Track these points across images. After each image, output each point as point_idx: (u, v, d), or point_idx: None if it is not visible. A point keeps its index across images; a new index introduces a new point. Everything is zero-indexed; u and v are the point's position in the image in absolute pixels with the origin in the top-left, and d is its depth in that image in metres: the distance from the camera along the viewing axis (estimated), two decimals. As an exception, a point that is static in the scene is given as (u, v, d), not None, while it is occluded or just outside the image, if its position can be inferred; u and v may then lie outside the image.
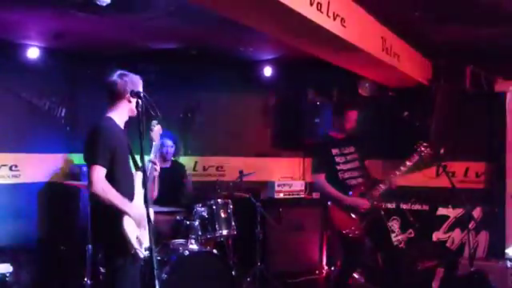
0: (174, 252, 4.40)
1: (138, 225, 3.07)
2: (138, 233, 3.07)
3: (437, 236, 6.22)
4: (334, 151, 4.70)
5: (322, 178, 4.64)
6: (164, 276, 4.09)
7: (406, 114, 5.00)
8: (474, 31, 5.20)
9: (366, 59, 4.73)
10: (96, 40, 5.61)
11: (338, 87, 6.57)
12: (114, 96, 3.22)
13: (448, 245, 6.17)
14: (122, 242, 3.02)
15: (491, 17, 4.74)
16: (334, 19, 3.81)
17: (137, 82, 3.25)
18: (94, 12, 4.54)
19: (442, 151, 5.81)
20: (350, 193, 4.63)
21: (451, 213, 6.16)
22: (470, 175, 6.23)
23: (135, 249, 3.04)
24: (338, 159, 4.69)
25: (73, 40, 5.56)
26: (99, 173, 3.00)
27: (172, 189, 5.28)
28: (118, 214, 3.00)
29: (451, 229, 6.16)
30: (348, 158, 4.74)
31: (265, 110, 7.00)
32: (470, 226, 4.83)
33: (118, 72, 3.28)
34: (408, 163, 4.67)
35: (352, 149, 4.78)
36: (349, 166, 4.72)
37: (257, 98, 6.96)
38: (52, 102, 5.86)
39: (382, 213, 4.95)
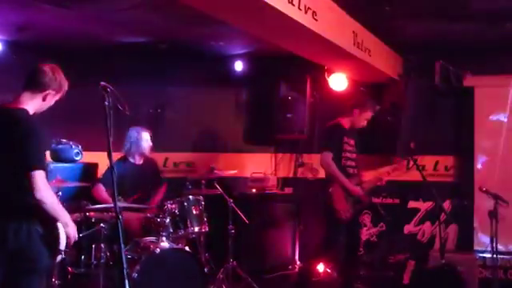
0: (145, 250, 4.30)
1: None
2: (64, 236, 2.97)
3: (408, 229, 6.29)
4: (345, 138, 4.97)
5: (329, 157, 4.85)
6: (135, 275, 3.99)
7: (376, 108, 5.09)
8: (444, 27, 5.26)
9: (338, 53, 4.73)
10: (62, 33, 5.47)
11: (310, 82, 6.55)
12: (37, 86, 2.94)
13: (419, 237, 6.25)
14: (55, 243, 2.90)
15: (460, 13, 4.80)
16: (306, 12, 3.78)
17: (64, 84, 3.07)
18: (58, 4, 4.41)
19: (412, 145, 5.87)
20: None
21: (422, 206, 6.24)
22: (439, 169, 6.32)
23: (61, 251, 2.95)
24: (345, 146, 4.95)
25: (38, 33, 5.41)
26: (44, 178, 2.81)
27: (145, 186, 5.18)
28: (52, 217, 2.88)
29: (422, 222, 6.24)
30: (351, 148, 5.03)
31: (236, 105, 6.94)
32: (441, 218, 4.89)
33: (51, 64, 3.06)
34: (389, 170, 5.15)
35: (354, 141, 5.06)
36: (350, 155, 5.00)
37: (228, 92, 6.89)
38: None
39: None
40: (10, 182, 2.83)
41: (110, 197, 4.92)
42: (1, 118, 2.91)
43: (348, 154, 4.98)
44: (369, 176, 5.21)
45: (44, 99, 2.99)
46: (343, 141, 4.95)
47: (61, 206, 2.93)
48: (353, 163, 5.03)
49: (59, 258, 3.02)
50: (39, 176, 2.78)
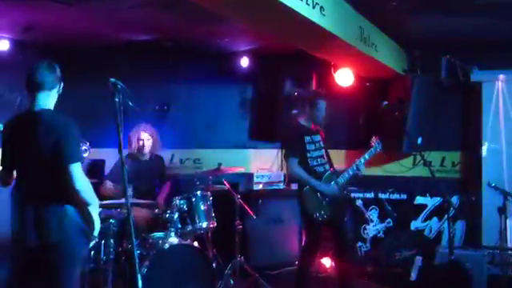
0: (154, 246, 4.32)
1: None
2: None
3: (415, 225, 6.27)
4: (307, 138, 4.75)
5: (295, 163, 4.65)
6: (144, 270, 4.01)
7: (384, 103, 5.05)
8: (451, 21, 5.24)
9: (344, 48, 4.72)
10: (69, 32, 5.47)
11: (316, 78, 6.55)
12: (51, 85, 3.15)
13: (426, 233, 6.23)
14: (92, 231, 3.13)
15: (467, 7, 4.77)
16: (314, 7, 3.78)
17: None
18: (65, 1, 4.41)
19: (419, 141, 5.86)
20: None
21: (429, 202, 6.23)
22: (446, 164, 6.31)
23: (95, 237, 3.20)
24: (309, 146, 4.74)
25: (44, 32, 5.41)
26: (81, 170, 3.04)
27: (150, 182, 5.19)
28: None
29: (429, 218, 6.22)
30: (316, 145, 4.81)
31: (242, 102, 6.94)
32: (449, 213, 4.87)
33: (47, 62, 3.22)
34: (367, 156, 4.84)
35: (318, 137, 4.85)
36: (317, 153, 4.78)
37: (234, 89, 6.90)
38: (24, 96, 5.70)
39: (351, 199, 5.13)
40: (51, 179, 3.02)
41: (116, 191, 4.91)
42: (36, 121, 3.08)
43: (313, 154, 4.76)
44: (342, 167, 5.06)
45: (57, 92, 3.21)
46: (304, 141, 4.73)
47: (93, 192, 3.16)
48: (322, 160, 4.78)
49: (92, 243, 3.28)
50: (77, 168, 3.01)
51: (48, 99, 3.15)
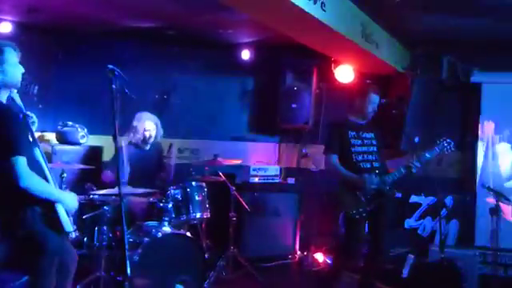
0: (147, 234, 4.34)
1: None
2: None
3: (408, 223, 6.30)
4: (351, 133, 4.55)
5: (334, 158, 4.48)
6: (136, 258, 4.04)
7: (382, 101, 5.02)
8: (453, 22, 5.23)
9: (345, 45, 4.72)
10: (71, 16, 5.47)
11: (316, 73, 6.55)
12: None
13: (419, 232, 6.26)
14: (60, 224, 2.92)
15: (469, 7, 4.77)
16: (315, 3, 3.78)
17: (13, 54, 2.99)
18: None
19: (416, 139, 5.86)
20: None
21: (423, 201, 6.25)
22: (443, 164, 6.31)
23: (67, 233, 2.99)
24: (353, 141, 4.54)
25: (47, 15, 5.41)
26: (24, 165, 2.77)
27: (149, 170, 5.20)
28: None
29: (423, 216, 6.24)
30: (365, 142, 4.59)
31: (242, 94, 6.95)
32: (442, 213, 4.88)
33: None
34: (427, 155, 4.55)
35: (371, 135, 4.63)
36: (364, 149, 4.57)
37: (234, 81, 6.91)
38: (24, 79, 5.69)
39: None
40: (4, 173, 2.79)
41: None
42: None
43: (358, 149, 4.51)
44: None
45: None
46: (348, 136, 4.51)
47: (47, 185, 2.90)
48: (369, 157, 4.52)
49: (73, 236, 3.02)
50: (18, 163, 2.74)
51: None
